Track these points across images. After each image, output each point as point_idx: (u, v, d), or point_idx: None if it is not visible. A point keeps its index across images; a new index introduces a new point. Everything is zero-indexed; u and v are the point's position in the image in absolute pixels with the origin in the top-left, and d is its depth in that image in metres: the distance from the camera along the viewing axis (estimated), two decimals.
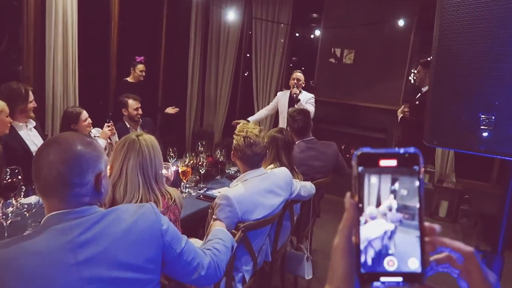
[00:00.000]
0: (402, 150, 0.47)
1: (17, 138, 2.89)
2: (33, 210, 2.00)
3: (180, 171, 2.74)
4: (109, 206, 1.65)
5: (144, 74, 4.69)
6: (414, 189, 0.47)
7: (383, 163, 0.47)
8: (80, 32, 4.28)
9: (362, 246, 0.47)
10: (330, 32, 5.59)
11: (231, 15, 5.65)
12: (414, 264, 0.46)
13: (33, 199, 2.08)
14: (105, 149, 3.16)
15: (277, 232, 2.39)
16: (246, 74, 6.47)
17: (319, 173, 2.83)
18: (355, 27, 5.35)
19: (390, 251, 0.47)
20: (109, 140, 3.27)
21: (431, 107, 1.29)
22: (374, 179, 0.47)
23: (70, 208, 1.11)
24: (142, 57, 4.72)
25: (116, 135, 3.32)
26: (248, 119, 4.73)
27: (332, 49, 5.62)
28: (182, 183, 2.81)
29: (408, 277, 0.46)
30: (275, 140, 2.44)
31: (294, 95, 4.18)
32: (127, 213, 1.19)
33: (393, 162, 0.47)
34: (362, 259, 0.47)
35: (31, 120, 3.05)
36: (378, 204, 0.47)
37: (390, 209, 0.47)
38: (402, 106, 4.32)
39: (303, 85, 4.32)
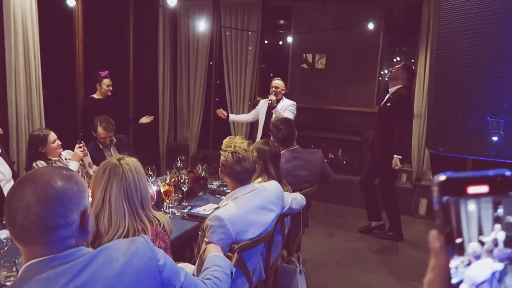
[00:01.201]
0: (492, 173, 0.39)
1: None
2: (5, 248, 1.82)
3: (162, 190, 2.61)
4: (92, 239, 1.51)
5: (111, 88, 4.50)
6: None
7: (472, 190, 0.39)
8: (42, 50, 4.06)
9: None
10: (300, 38, 5.59)
11: (200, 25, 5.54)
12: None
13: (3, 234, 1.90)
14: (78, 172, 2.98)
15: (269, 248, 2.30)
16: (218, 83, 6.37)
17: (306, 183, 2.77)
18: (325, 32, 5.37)
19: None
20: (81, 162, 3.09)
21: (434, 113, 1.24)
22: (471, 205, 0.39)
23: (54, 253, 0.97)
24: (106, 72, 4.52)
25: (89, 155, 3.14)
26: (230, 115, 4.78)
27: (304, 54, 5.61)
28: (165, 203, 2.67)
29: None
30: (262, 152, 2.35)
31: (269, 102, 4.18)
32: (119, 251, 1.06)
33: (483, 189, 0.39)
34: None
35: None
36: (479, 237, 0.39)
37: (496, 244, 0.39)
38: None
39: (284, 92, 4.30)
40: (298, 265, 2.66)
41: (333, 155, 5.67)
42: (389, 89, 4.12)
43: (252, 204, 1.92)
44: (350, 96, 5.51)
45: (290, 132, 2.86)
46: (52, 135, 2.92)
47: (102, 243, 1.51)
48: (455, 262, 0.39)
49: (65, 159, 3.04)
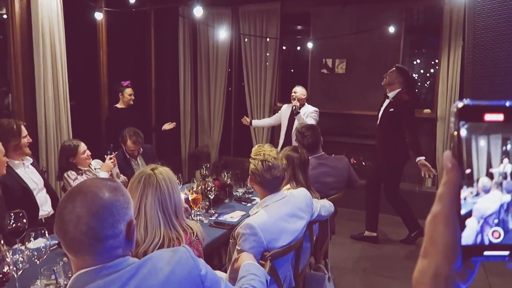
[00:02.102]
0: (509, 103, 0.41)
1: (15, 177, 2.76)
2: (44, 257, 1.87)
3: (190, 198, 2.64)
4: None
5: (133, 97, 4.60)
6: None
7: (489, 117, 0.41)
8: (69, 62, 4.18)
9: (477, 223, 0.41)
10: (319, 43, 5.58)
11: (219, 33, 5.61)
12: None
13: (41, 242, 1.95)
14: None
15: (298, 255, 2.29)
16: (238, 90, 6.42)
17: (333, 189, 2.76)
18: (344, 36, 5.35)
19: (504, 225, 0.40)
20: (110, 172, 3.15)
21: None
22: (482, 140, 0.41)
23: (103, 263, 1.00)
24: (128, 81, 4.63)
25: (117, 166, 3.21)
26: (252, 121, 4.95)
27: (323, 59, 5.61)
28: (193, 211, 2.70)
29: None
30: (291, 159, 2.36)
31: (293, 108, 4.20)
32: (162, 261, 1.09)
33: (499, 117, 0.40)
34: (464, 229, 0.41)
35: (27, 157, 2.93)
36: (489, 170, 0.41)
37: (505, 177, 0.40)
38: None
39: (304, 98, 4.32)
40: (326, 272, 2.65)
41: (355, 160, 5.62)
42: (388, 94, 4.09)
43: (283, 212, 1.93)
44: (371, 100, 5.45)
45: (315, 138, 2.86)
46: (82, 146, 2.99)
47: (139, 253, 1.54)
48: (464, 193, 0.41)
49: (94, 168, 3.11)
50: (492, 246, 0.40)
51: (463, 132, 0.41)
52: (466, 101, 0.41)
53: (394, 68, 4.10)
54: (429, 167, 3.88)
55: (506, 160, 0.41)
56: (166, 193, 1.64)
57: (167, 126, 4.79)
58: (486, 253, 0.40)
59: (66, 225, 0.99)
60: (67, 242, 1.00)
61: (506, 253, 0.40)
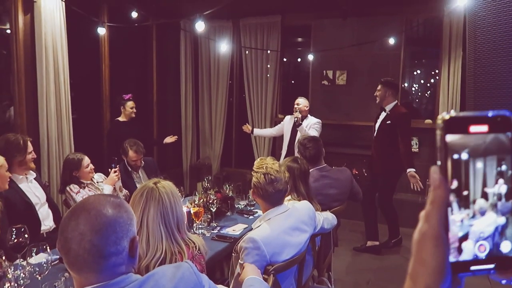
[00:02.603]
0: (491, 113, 0.41)
1: (18, 192, 2.76)
2: (46, 272, 1.86)
3: (192, 211, 2.63)
4: None
5: (135, 110, 4.61)
6: (509, 160, 0.41)
7: (474, 129, 0.41)
8: (71, 76, 4.21)
9: (473, 246, 0.40)
10: (320, 55, 5.62)
11: (220, 46, 5.65)
12: (506, 248, 0.40)
13: (43, 257, 1.94)
14: None
15: (300, 269, 2.27)
16: (239, 102, 6.44)
17: (335, 201, 2.75)
18: (345, 48, 5.39)
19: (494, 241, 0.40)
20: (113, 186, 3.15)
21: None
22: (478, 163, 0.40)
23: (106, 280, 0.99)
24: (130, 95, 4.65)
25: (120, 180, 3.20)
26: (254, 130, 5.01)
27: (324, 71, 5.63)
28: (195, 224, 2.69)
29: (501, 263, 0.40)
30: (291, 170, 2.35)
31: (295, 119, 4.21)
32: (165, 278, 1.08)
33: (484, 128, 0.41)
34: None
35: (31, 171, 2.93)
36: (484, 189, 0.41)
37: (500, 198, 0.40)
38: None
39: (307, 109, 4.34)
40: (330, 285, 2.62)
41: (357, 171, 5.61)
42: (385, 107, 4.17)
43: (286, 225, 1.92)
44: (372, 111, 5.45)
45: (317, 150, 2.85)
46: (86, 160, 2.99)
47: (141, 267, 1.53)
48: (460, 215, 0.40)
49: (97, 182, 3.11)
50: (478, 261, 0.40)
51: (451, 148, 0.40)
52: (452, 113, 0.41)
53: (380, 85, 4.20)
54: (418, 179, 3.97)
55: (501, 180, 0.40)
56: (169, 207, 1.63)
57: (169, 140, 4.79)
58: (472, 267, 0.40)
59: (69, 243, 0.98)
60: (70, 259, 0.99)
61: (492, 266, 0.40)
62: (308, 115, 4.38)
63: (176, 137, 4.86)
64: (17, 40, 3.80)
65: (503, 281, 0.43)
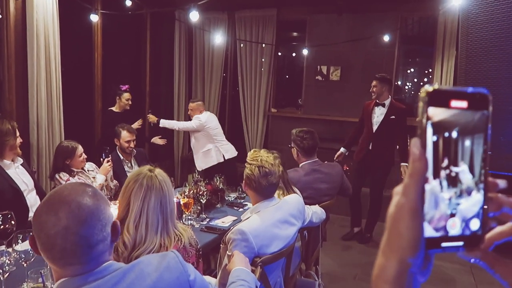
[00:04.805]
0: (471, 90, 0.41)
1: (6, 178, 2.72)
2: (32, 260, 1.84)
3: (182, 203, 2.62)
4: (131, 250, 1.52)
5: (130, 103, 4.58)
6: (482, 138, 0.41)
7: (454, 104, 0.41)
8: (62, 64, 4.15)
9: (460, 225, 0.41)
10: (314, 50, 5.61)
11: (215, 38, 5.62)
12: (475, 225, 0.41)
13: (29, 245, 1.93)
14: (102, 185, 3.02)
15: (288, 261, 2.28)
16: (233, 95, 6.41)
17: (326, 196, 2.76)
18: (339, 44, 5.39)
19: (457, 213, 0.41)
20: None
21: None
22: (452, 133, 0.41)
23: (92, 269, 0.98)
24: (127, 86, 4.61)
25: (111, 169, 3.18)
26: (161, 120, 4.77)
27: (318, 66, 5.63)
28: (184, 215, 2.68)
29: (469, 240, 0.41)
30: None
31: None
32: (151, 266, 1.08)
33: (463, 104, 0.41)
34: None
35: (18, 157, 2.89)
36: (472, 168, 0.41)
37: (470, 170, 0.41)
38: None
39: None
40: (317, 279, 2.64)
41: (348, 167, 5.63)
42: (384, 102, 4.22)
43: (275, 218, 1.92)
44: None
45: (315, 142, 2.85)
46: (80, 149, 2.96)
47: (133, 256, 1.51)
48: (448, 193, 0.40)
49: (88, 170, 3.09)
50: (449, 238, 0.40)
51: (432, 121, 0.40)
52: (435, 86, 0.41)
53: (375, 81, 4.22)
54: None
55: (467, 154, 0.41)
56: (167, 196, 1.61)
57: (158, 141, 4.77)
58: (443, 244, 0.40)
59: (52, 239, 0.95)
60: (56, 255, 0.96)
61: (461, 243, 0.41)
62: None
63: (165, 140, 4.84)
64: (7, 25, 3.73)
65: (472, 260, 0.43)
